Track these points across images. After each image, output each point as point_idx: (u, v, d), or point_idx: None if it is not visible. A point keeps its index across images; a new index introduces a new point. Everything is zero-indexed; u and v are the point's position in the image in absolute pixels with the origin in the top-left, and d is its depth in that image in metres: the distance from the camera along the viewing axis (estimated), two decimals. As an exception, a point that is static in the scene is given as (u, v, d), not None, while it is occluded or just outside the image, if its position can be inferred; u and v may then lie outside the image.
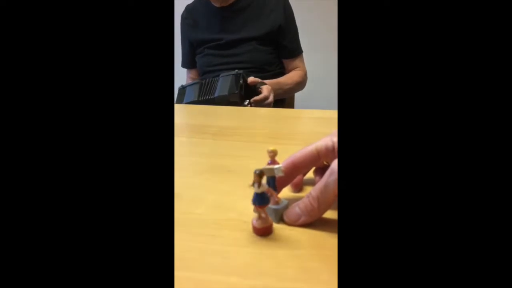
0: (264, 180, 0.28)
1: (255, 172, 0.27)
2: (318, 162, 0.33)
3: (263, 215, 0.28)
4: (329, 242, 0.28)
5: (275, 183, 0.30)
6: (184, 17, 1.29)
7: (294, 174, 0.33)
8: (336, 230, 0.29)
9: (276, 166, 0.29)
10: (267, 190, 0.28)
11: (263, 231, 0.29)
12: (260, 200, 0.28)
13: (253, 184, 0.27)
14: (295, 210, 0.29)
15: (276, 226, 0.30)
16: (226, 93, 0.94)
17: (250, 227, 0.30)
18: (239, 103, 0.95)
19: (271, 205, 0.30)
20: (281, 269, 0.25)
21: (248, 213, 0.32)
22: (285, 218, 0.30)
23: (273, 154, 0.30)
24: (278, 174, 0.29)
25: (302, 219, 0.29)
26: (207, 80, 1.02)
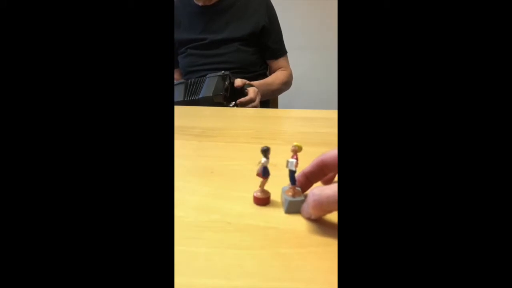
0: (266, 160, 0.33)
1: (261, 149, 0.32)
2: None
3: (260, 187, 0.34)
4: (311, 239, 0.28)
5: (294, 176, 0.33)
6: None
7: (324, 171, 0.34)
8: (317, 228, 0.30)
9: (290, 160, 0.32)
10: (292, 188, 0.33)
11: (261, 201, 0.34)
12: (262, 172, 0.33)
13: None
14: (305, 208, 0.31)
15: (258, 225, 0.30)
16: (210, 94, 0.94)
17: (234, 228, 0.30)
18: (224, 104, 0.95)
19: (286, 196, 0.33)
20: (265, 268, 0.25)
21: (232, 214, 0.32)
22: (301, 212, 0.32)
23: (294, 149, 0.32)
24: (290, 168, 0.32)
25: (313, 217, 0.31)
26: (193, 80, 1.01)
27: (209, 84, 0.96)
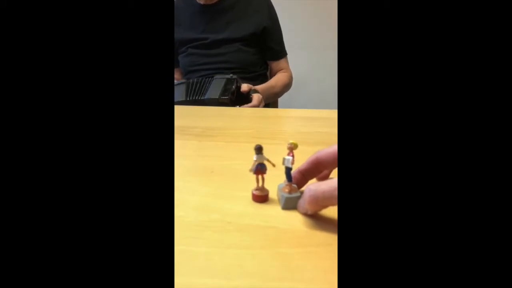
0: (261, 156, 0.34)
1: (255, 146, 0.33)
2: None
3: (259, 184, 0.35)
4: (311, 239, 0.28)
5: (290, 173, 0.33)
6: None
7: (319, 168, 0.35)
8: (317, 227, 0.30)
9: (286, 157, 0.32)
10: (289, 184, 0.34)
11: (259, 198, 0.34)
12: (257, 168, 0.34)
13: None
14: (301, 203, 0.32)
15: (257, 225, 0.30)
16: (216, 96, 0.94)
17: (233, 228, 0.30)
18: (228, 106, 0.95)
19: (282, 192, 0.33)
20: (265, 268, 0.25)
21: (232, 213, 0.32)
22: (297, 208, 0.33)
23: (290, 147, 0.33)
24: (287, 165, 0.33)
25: (309, 212, 0.31)
26: (196, 79, 1.01)
27: (216, 86, 0.96)
